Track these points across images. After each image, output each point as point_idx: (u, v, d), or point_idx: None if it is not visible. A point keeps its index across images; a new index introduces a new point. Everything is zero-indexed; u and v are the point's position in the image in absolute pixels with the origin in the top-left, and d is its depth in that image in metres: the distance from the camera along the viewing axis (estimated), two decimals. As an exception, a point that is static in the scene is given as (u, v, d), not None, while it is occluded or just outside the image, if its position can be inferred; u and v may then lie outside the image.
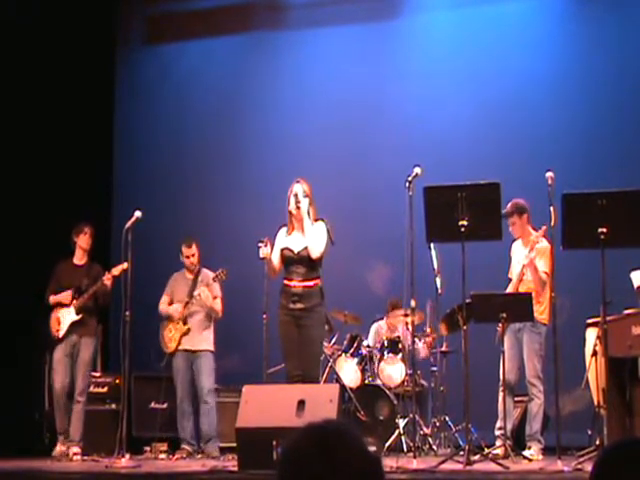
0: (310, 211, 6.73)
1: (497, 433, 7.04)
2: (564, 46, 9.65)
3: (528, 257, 7.00)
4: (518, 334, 7.15)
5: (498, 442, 6.93)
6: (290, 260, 6.70)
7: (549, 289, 6.79)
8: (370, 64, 10.24)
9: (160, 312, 8.29)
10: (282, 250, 6.75)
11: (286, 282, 6.71)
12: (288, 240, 6.77)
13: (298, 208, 6.69)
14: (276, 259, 6.78)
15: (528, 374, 7.08)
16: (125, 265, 7.29)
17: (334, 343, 8.49)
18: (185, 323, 8.15)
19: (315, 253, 6.64)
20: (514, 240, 7.36)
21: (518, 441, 7.31)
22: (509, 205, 7.15)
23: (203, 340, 8.15)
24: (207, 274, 8.22)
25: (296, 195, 6.69)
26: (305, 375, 6.64)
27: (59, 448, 7.72)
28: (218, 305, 8.18)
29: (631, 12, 9.47)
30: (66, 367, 7.83)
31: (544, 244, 7.01)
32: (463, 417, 6.52)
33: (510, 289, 7.26)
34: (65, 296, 7.89)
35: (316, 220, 6.76)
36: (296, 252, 6.69)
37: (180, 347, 8.13)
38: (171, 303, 8.30)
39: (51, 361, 7.99)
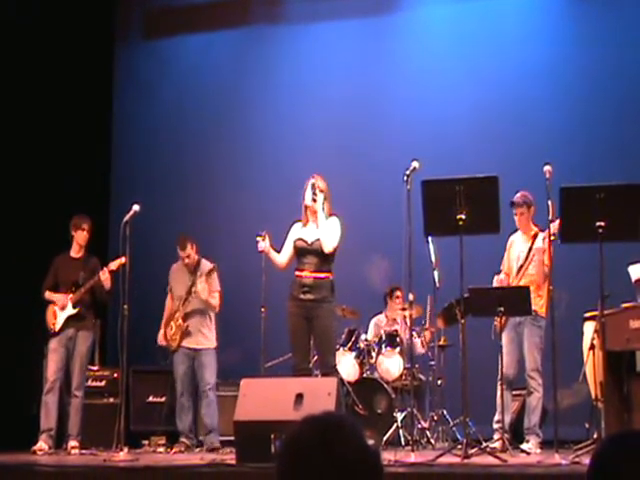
0: (325, 206, 6.78)
1: (495, 427, 7.05)
2: (563, 40, 9.64)
3: (542, 247, 6.97)
4: (518, 328, 7.14)
5: (496, 435, 6.94)
6: (303, 250, 6.73)
7: (548, 284, 6.80)
8: (368, 58, 10.24)
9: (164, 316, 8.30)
10: (295, 240, 6.79)
11: (297, 273, 6.73)
12: (302, 232, 6.81)
13: (314, 201, 6.71)
14: (287, 253, 6.83)
15: (528, 367, 7.08)
16: (123, 259, 7.28)
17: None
18: (184, 321, 8.12)
19: (327, 247, 6.66)
20: (511, 233, 7.35)
21: (516, 435, 7.33)
22: (520, 195, 7.15)
23: (204, 338, 8.11)
24: (207, 267, 8.17)
25: (313, 185, 6.72)
26: (322, 367, 6.71)
27: (40, 445, 7.56)
28: (215, 300, 8.11)
29: (628, 6, 9.47)
30: (61, 357, 7.77)
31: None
32: (461, 411, 6.52)
33: (501, 281, 7.27)
34: (60, 298, 7.84)
35: (330, 215, 6.80)
36: (309, 242, 6.73)
37: (182, 344, 8.12)
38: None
39: (47, 353, 7.95)
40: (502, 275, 7.41)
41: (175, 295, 8.24)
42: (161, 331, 8.22)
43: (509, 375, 7.07)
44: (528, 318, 7.04)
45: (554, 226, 6.55)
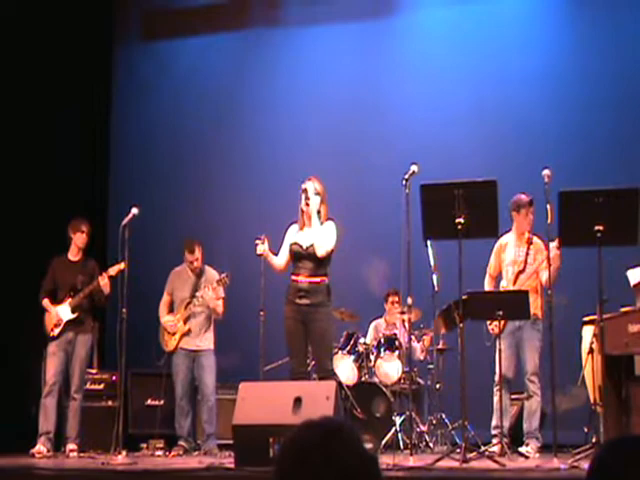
0: (321, 210, 6.75)
1: (493, 432, 7.03)
2: (561, 43, 9.65)
3: (531, 264, 6.99)
4: (518, 332, 7.14)
5: (495, 440, 6.93)
6: (298, 255, 6.71)
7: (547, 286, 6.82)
8: (367, 61, 10.24)
9: (159, 314, 8.27)
10: (291, 245, 6.77)
11: (293, 277, 6.72)
12: (299, 236, 6.79)
13: (307, 205, 6.70)
14: (285, 255, 6.83)
15: (529, 371, 7.06)
16: (122, 265, 7.27)
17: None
18: (185, 323, 8.12)
19: (320, 251, 6.63)
20: (500, 235, 7.29)
21: (515, 439, 7.32)
22: (527, 195, 7.14)
23: (204, 340, 8.13)
24: (211, 274, 8.20)
25: (306, 191, 6.70)
26: (319, 371, 6.71)
27: (38, 447, 7.56)
28: (220, 307, 8.14)
29: (626, 10, 9.47)
30: (60, 361, 7.78)
31: (541, 243, 7.05)
32: (460, 414, 6.52)
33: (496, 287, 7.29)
34: (54, 313, 7.80)
35: (327, 219, 6.78)
36: (305, 247, 6.70)
37: (181, 345, 8.12)
38: (171, 302, 8.27)
39: (46, 356, 7.94)
40: (487, 277, 7.40)
41: (176, 298, 8.24)
42: (163, 317, 8.20)
43: (507, 379, 7.06)
44: (528, 322, 7.04)
45: (554, 246, 6.50)
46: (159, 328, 8.26)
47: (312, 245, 6.67)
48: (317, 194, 6.73)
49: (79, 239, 7.96)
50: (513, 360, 7.14)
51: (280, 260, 6.85)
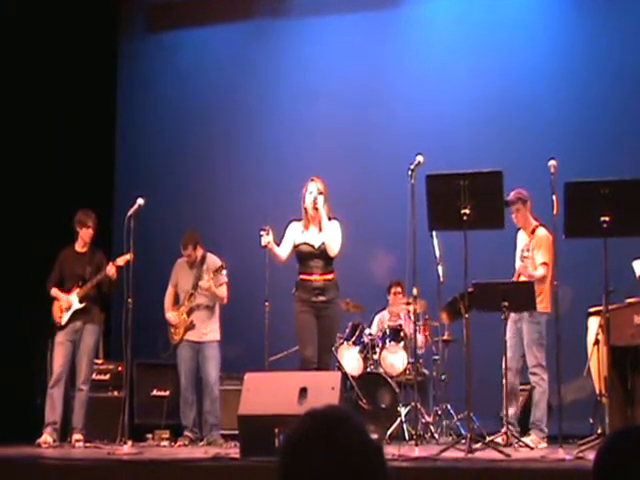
0: (325, 208, 6.91)
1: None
2: (566, 34, 9.62)
3: (527, 257, 7.02)
4: (518, 324, 7.17)
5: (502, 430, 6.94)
6: (310, 255, 6.88)
7: (550, 278, 6.81)
8: (372, 53, 10.21)
9: (165, 307, 8.27)
10: (300, 245, 6.90)
11: (305, 277, 6.87)
12: (306, 235, 6.95)
13: (316, 208, 6.86)
14: (285, 251, 6.96)
15: (529, 364, 7.10)
16: (129, 256, 7.28)
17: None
18: (189, 316, 8.12)
19: (334, 251, 6.87)
20: (519, 229, 7.37)
21: (523, 428, 7.32)
22: (513, 193, 7.16)
23: (208, 331, 8.13)
24: (212, 260, 8.19)
25: (312, 193, 6.88)
26: (320, 363, 6.82)
27: (44, 438, 7.57)
28: (222, 292, 8.14)
29: (633, 2, 9.44)
30: (67, 350, 7.80)
31: (544, 233, 7.04)
32: (465, 405, 6.52)
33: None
34: (65, 298, 7.83)
35: (330, 219, 6.94)
36: (316, 247, 6.88)
37: (185, 337, 8.13)
38: (176, 294, 8.28)
39: (52, 346, 7.97)
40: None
41: (180, 289, 8.25)
42: (168, 312, 8.21)
43: (512, 368, 7.07)
44: (526, 314, 7.04)
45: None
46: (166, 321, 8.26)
47: (323, 243, 6.83)
48: (321, 194, 6.90)
49: (85, 234, 7.99)
50: (518, 349, 7.16)
51: (283, 252, 6.91)
